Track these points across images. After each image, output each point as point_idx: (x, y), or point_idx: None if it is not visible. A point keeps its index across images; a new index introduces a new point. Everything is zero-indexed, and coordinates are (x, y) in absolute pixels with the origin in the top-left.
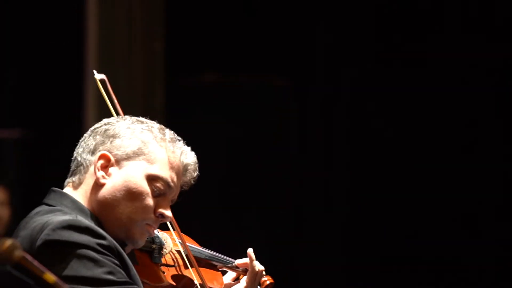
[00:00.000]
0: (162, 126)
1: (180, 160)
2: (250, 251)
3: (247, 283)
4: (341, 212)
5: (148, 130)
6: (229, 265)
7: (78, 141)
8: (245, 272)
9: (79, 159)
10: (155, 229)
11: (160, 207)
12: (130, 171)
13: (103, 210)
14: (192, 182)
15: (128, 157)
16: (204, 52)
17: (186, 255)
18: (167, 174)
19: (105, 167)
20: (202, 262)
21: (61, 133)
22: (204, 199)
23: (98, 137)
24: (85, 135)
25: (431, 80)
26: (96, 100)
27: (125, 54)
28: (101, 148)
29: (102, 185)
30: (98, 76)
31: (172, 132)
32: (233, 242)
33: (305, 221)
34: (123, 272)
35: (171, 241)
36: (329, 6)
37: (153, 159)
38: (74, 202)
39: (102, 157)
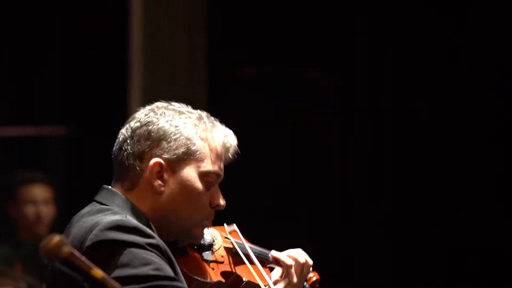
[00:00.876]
0: (200, 113)
1: (222, 145)
2: (272, 253)
3: (287, 275)
4: (387, 208)
5: (190, 124)
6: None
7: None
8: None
9: (126, 164)
10: (211, 219)
11: (214, 199)
12: (185, 174)
13: (161, 216)
14: (234, 158)
15: (178, 159)
16: (247, 45)
17: (244, 254)
18: (216, 166)
19: (159, 174)
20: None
21: (107, 130)
22: (244, 192)
23: (142, 141)
24: (124, 135)
25: (481, 77)
26: (141, 96)
27: (168, 47)
28: (149, 153)
29: (160, 192)
30: (229, 229)
31: (207, 114)
32: (280, 236)
33: (350, 216)
34: (169, 269)
35: (221, 238)
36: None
37: (202, 156)
38: (125, 202)
39: (155, 165)
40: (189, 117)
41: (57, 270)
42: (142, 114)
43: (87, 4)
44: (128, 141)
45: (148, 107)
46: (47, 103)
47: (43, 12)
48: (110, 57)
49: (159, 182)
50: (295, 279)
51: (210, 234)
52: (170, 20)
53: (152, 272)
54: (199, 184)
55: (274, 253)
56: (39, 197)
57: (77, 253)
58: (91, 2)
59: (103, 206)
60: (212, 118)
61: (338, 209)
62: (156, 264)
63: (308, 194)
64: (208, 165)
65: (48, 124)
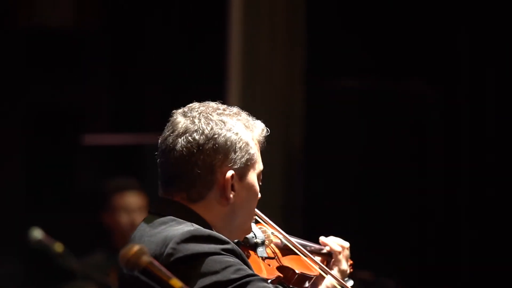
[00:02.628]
0: (238, 111)
1: (260, 137)
2: (321, 238)
3: (336, 262)
4: (486, 228)
5: (242, 125)
6: (321, 251)
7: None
8: (331, 256)
9: (194, 177)
10: None
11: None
12: (250, 180)
13: (226, 222)
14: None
15: (245, 166)
16: (345, 56)
17: (294, 247)
18: (261, 162)
19: (232, 185)
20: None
21: None
22: (340, 201)
23: (213, 154)
24: (187, 148)
25: None
26: (238, 104)
27: (267, 58)
28: (220, 166)
29: (230, 202)
30: None
31: (239, 109)
32: (370, 244)
33: (440, 235)
34: (249, 268)
35: (269, 234)
36: (472, 8)
37: (256, 157)
38: (190, 212)
39: (229, 178)
40: (238, 119)
41: (132, 279)
42: (204, 125)
43: (186, 16)
44: (195, 154)
45: (196, 113)
46: (142, 112)
47: (197, 29)
48: (207, 70)
49: (232, 193)
50: (343, 265)
51: (259, 230)
52: (269, 29)
53: (234, 276)
54: (257, 185)
55: (323, 239)
56: (133, 205)
57: (156, 263)
58: (190, 13)
59: (165, 217)
60: (241, 111)
61: (441, 231)
62: (236, 265)
63: (400, 205)
64: (260, 164)
65: (147, 132)
